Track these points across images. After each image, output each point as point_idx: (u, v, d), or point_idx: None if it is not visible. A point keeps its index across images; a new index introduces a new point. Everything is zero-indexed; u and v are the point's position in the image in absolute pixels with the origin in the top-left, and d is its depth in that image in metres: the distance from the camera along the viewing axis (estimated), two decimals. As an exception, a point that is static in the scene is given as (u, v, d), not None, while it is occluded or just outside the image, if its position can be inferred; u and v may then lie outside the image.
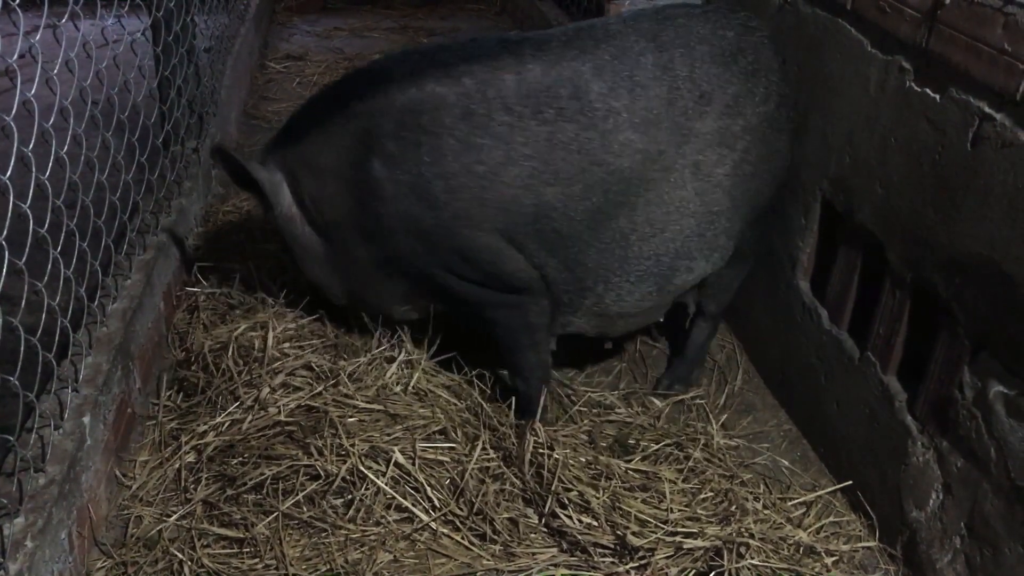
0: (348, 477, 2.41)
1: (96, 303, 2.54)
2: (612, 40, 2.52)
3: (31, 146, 2.03)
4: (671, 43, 2.53)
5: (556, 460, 2.45)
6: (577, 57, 2.48)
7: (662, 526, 2.33)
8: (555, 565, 2.31)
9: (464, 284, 2.63)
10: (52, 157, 2.21)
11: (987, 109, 2.04)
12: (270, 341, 2.82)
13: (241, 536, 2.33)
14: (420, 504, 2.40)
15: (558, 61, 2.48)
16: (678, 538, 2.29)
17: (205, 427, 2.60)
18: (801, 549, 2.33)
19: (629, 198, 2.53)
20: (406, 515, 2.39)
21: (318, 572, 2.26)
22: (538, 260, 2.57)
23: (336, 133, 2.60)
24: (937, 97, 2.20)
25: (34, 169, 2.07)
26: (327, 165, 2.63)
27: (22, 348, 2.02)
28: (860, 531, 2.50)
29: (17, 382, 1.98)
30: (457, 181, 2.48)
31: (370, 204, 2.58)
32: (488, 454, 2.54)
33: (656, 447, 2.68)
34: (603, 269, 2.61)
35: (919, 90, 2.27)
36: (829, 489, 2.62)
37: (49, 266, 2.22)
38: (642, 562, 2.26)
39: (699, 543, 2.28)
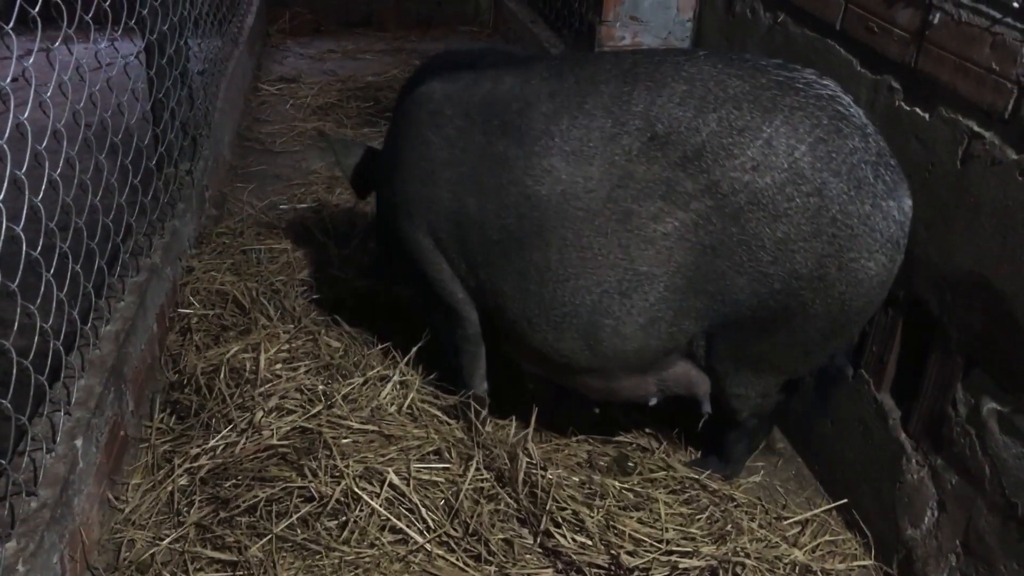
0: (342, 499, 2.40)
1: (89, 325, 2.53)
2: (589, 65, 2.43)
3: (24, 169, 2.03)
4: (641, 75, 2.29)
5: (549, 480, 2.45)
6: (548, 77, 2.44)
7: (657, 545, 2.32)
8: (550, 586, 2.30)
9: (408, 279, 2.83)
10: (45, 180, 2.21)
11: (976, 127, 2.05)
12: (262, 363, 2.82)
13: (234, 559, 2.32)
14: (415, 526, 2.39)
15: (531, 78, 2.46)
16: (673, 558, 2.29)
17: (198, 450, 2.59)
18: (797, 568, 2.32)
19: (544, 230, 2.36)
20: (400, 537, 2.38)
21: (312, 595, 2.25)
22: (460, 272, 2.61)
23: (394, 113, 2.91)
24: (926, 116, 2.22)
25: (27, 192, 2.07)
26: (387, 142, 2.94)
27: (14, 371, 2.01)
28: (856, 550, 2.49)
29: (9, 405, 1.97)
30: (408, 172, 2.62)
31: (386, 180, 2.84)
32: (482, 474, 2.53)
33: (654, 473, 2.67)
34: (521, 303, 2.47)
35: (908, 109, 2.28)
36: (824, 508, 2.62)
37: (42, 288, 2.21)
38: (637, 582, 2.25)
39: (694, 563, 2.27)
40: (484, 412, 2.79)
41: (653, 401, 2.60)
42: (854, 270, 2.16)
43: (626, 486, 2.55)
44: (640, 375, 2.52)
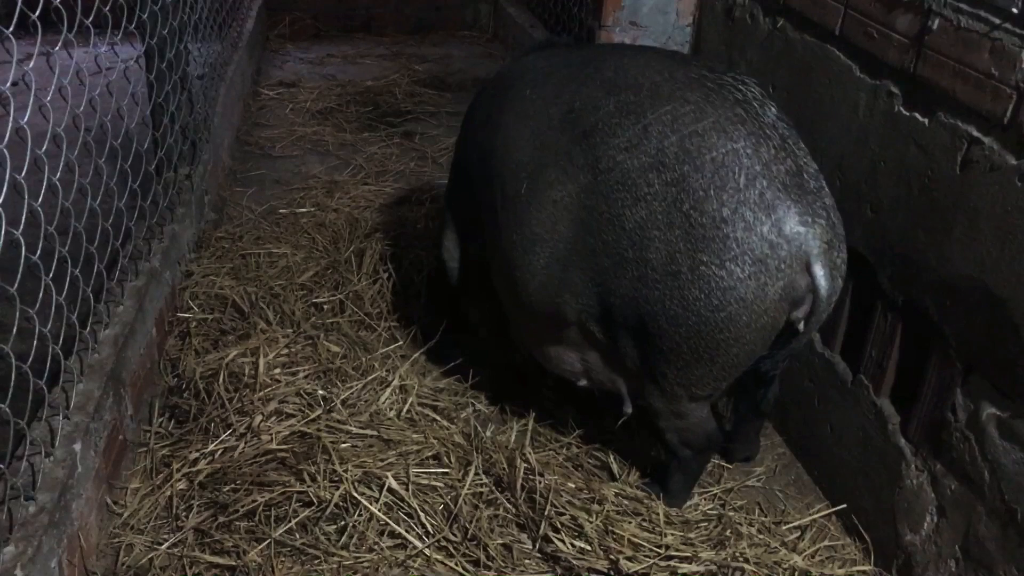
0: (341, 503, 2.40)
1: (88, 330, 2.53)
2: (591, 50, 2.80)
3: (23, 173, 2.03)
4: (596, 60, 2.45)
5: (548, 485, 2.45)
6: (560, 55, 2.72)
7: (656, 551, 2.32)
8: (549, 591, 2.30)
9: None
10: (45, 184, 2.21)
11: (975, 133, 2.06)
12: (261, 367, 2.81)
13: (233, 564, 2.31)
14: (414, 530, 2.39)
15: (552, 56, 2.73)
16: (672, 563, 2.28)
17: (197, 454, 2.58)
18: (796, 573, 2.32)
19: (495, 178, 2.59)
20: (399, 541, 2.38)
21: (311, 600, 2.24)
22: (468, 208, 2.89)
23: None
24: (926, 121, 2.22)
25: (26, 196, 2.08)
26: None
27: (13, 375, 2.01)
28: (855, 555, 2.49)
29: (8, 409, 1.97)
30: (463, 127, 3.02)
31: None
32: (481, 479, 2.53)
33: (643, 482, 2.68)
34: (490, 245, 2.69)
35: (907, 114, 2.28)
36: (823, 513, 2.61)
37: (41, 293, 2.21)
38: (637, 587, 2.25)
39: (694, 568, 2.27)
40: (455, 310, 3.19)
41: (583, 382, 2.61)
42: (706, 275, 2.11)
43: (624, 492, 2.55)
44: (558, 345, 2.55)
